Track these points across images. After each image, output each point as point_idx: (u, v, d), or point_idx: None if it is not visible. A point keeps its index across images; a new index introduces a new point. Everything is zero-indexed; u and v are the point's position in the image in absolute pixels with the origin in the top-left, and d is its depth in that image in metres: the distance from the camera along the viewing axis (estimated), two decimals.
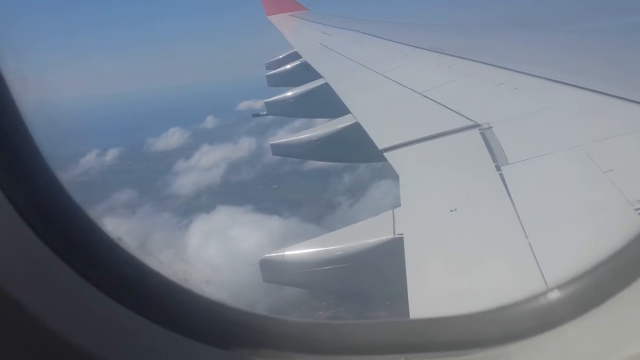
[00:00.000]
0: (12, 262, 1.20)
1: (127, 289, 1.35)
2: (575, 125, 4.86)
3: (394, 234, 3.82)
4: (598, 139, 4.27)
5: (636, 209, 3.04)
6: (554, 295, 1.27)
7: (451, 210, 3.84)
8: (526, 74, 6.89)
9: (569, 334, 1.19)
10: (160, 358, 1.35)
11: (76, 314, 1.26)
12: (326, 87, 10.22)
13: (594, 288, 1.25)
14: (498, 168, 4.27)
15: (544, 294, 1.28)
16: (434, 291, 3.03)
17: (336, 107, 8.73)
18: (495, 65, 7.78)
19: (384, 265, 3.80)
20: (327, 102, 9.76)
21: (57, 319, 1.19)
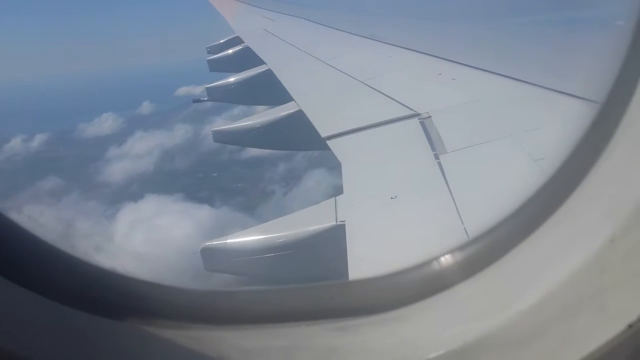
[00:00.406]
0: None
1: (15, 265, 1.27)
2: (509, 116, 5.06)
3: (336, 221, 3.87)
4: (530, 129, 4.47)
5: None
6: (449, 257, 1.31)
7: (392, 198, 3.92)
8: (464, 64, 7.08)
9: (462, 293, 1.23)
10: (37, 327, 1.27)
11: None
12: (269, 73, 10.13)
13: (488, 247, 1.31)
14: (436, 157, 4.39)
15: (438, 257, 1.32)
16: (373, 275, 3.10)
17: (279, 94, 8.69)
18: (435, 56, 7.95)
19: (326, 252, 3.84)
20: (269, 89, 9.69)
21: None
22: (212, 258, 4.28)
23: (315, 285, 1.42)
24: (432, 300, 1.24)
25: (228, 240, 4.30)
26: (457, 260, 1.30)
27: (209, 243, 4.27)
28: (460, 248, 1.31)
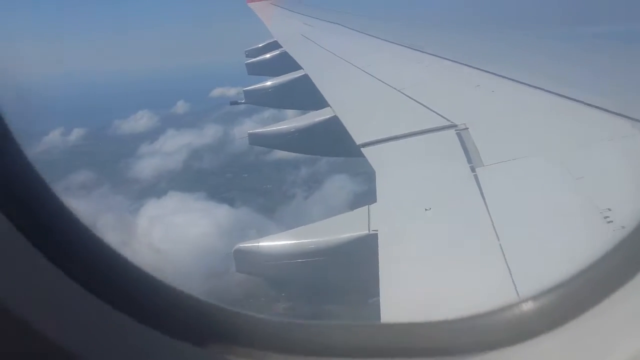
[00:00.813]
0: None
1: (105, 284, 1.33)
2: (550, 131, 4.97)
3: (369, 230, 3.86)
4: (571, 146, 4.38)
5: (605, 217, 3.13)
6: (530, 305, 1.29)
7: (426, 209, 3.89)
8: (503, 77, 6.99)
9: (544, 346, 1.21)
10: (134, 353, 1.33)
11: (60, 313, 1.25)
12: (305, 78, 10.19)
13: (570, 300, 1.28)
14: (473, 169, 4.35)
15: (520, 303, 1.30)
16: (406, 291, 3.08)
17: (315, 100, 8.73)
18: (474, 67, 7.87)
19: (358, 261, 3.84)
20: (305, 94, 9.74)
21: (41, 317, 1.18)
22: (244, 260, 4.32)
23: (392, 324, 1.43)
24: (513, 350, 1.23)
25: (261, 244, 4.34)
26: (539, 310, 1.28)
27: (242, 245, 4.31)
28: (541, 297, 1.29)
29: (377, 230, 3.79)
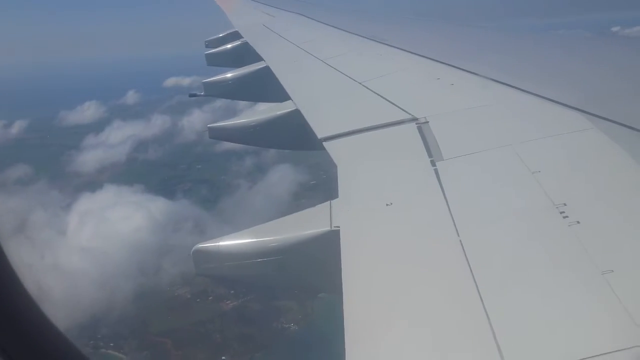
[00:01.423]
0: None
1: None
2: (508, 125, 5.04)
3: (331, 227, 3.83)
4: (529, 140, 4.45)
5: (561, 212, 3.19)
6: None
7: (387, 204, 3.89)
8: (462, 69, 7.06)
9: None
10: None
11: None
12: (267, 70, 10.07)
13: None
14: (433, 163, 4.37)
15: None
16: (368, 287, 3.08)
17: (276, 92, 8.64)
18: (433, 59, 7.92)
19: (320, 258, 3.81)
20: (267, 86, 9.63)
21: None
22: (203, 261, 4.24)
23: None
24: None
25: (220, 243, 4.26)
26: None
27: (201, 245, 4.22)
28: None
29: (339, 227, 3.77)
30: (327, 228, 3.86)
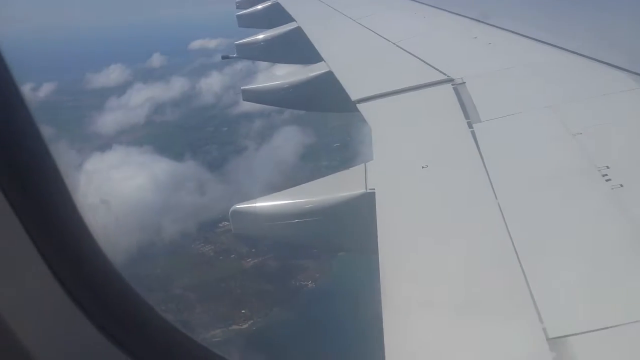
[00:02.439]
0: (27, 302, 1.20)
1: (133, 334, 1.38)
2: (548, 85, 4.89)
3: (366, 189, 3.84)
4: (569, 101, 4.33)
5: (603, 175, 3.12)
6: None
7: (422, 167, 3.87)
8: (500, 28, 6.85)
9: None
10: None
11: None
12: (298, 31, 9.95)
13: None
14: (470, 125, 4.30)
15: None
16: (404, 250, 3.09)
17: (308, 53, 8.54)
18: (470, 17, 7.69)
19: (355, 220, 3.83)
20: (298, 47, 9.53)
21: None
22: (240, 220, 4.31)
23: None
24: None
25: (257, 204, 4.32)
26: None
27: (238, 206, 4.29)
28: None
29: (374, 189, 3.78)
30: (362, 190, 3.86)
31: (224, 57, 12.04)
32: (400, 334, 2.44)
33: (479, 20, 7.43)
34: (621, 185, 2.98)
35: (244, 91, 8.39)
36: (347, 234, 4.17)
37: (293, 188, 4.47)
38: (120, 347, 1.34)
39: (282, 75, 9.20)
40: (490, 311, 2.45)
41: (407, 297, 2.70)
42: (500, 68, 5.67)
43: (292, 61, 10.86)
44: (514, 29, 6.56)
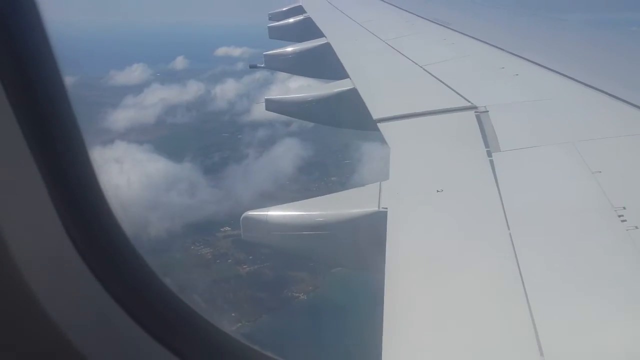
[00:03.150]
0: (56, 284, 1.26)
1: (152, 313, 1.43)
2: (571, 121, 4.86)
3: (379, 208, 3.83)
4: (592, 138, 4.29)
5: (619, 216, 3.07)
6: None
7: (438, 191, 3.85)
8: (529, 60, 6.84)
9: None
10: None
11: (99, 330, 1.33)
12: (327, 47, 10.03)
13: None
14: (489, 154, 4.28)
15: None
16: (411, 270, 3.07)
17: (335, 70, 8.61)
18: (499, 48, 7.70)
19: (365, 238, 3.82)
20: (326, 63, 9.60)
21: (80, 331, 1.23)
22: (250, 227, 4.33)
23: None
24: None
25: (269, 213, 4.34)
26: None
27: (250, 213, 4.31)
28: None
29: (387, 208, 3.77)
30: (375, 208, 3.86)
31: (251, 66, 12.18)
32: (399, 350, 2.42)
33: (508, 51, 7.43)
34: (636, 227, 2.94)
35: (267, 101, 8.47)
36: (356, 251, 4.16)
37: (306, 200, 4.48)
38: (133, 318, 1.38)
39: (307, 88, 9.26)
40: (492, 344, 2.41)
41: (410, 322, 2.67)
42: (525, 100, 5.65)
43: (318, 76, 10.94)
44: (543, 62, 6.55)
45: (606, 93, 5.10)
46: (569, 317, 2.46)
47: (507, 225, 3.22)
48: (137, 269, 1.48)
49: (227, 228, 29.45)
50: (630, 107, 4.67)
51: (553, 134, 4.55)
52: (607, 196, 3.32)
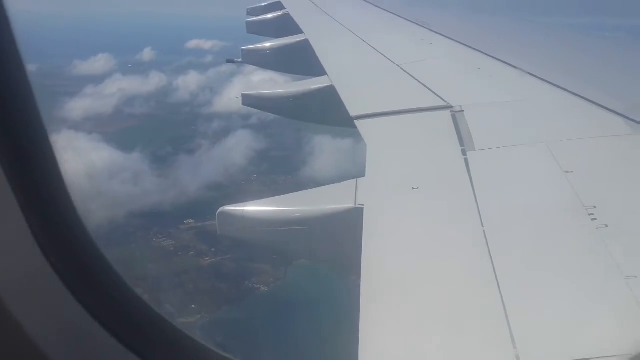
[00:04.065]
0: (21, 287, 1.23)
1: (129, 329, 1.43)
2: (545, 122, 4.95)
3: (355, 204, 3.85)
4: (564, 139, 4.38)
5: (589, 214, 3.15)
6: None
7: (413, 188, 3.89)
8: (504, 62, 6.94)
9: None
10: None
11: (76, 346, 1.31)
12: (305, 44, 10.02)
13: None
14: (464, 153, 4.33)
15: None
16: (386, 265, 3.10)
17: (312, 67, 8.60)
18: (476, 49, 7.79)
19: (341, 234, 3.84)
20: (303, 60, 9.59)
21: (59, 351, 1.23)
22: (227, 223, 4.30)
23: None
24: None
25: (245, 208, 4.32)
26: None
27: (227, 208, 4.29)
28: None
29: (363, 205, 3.79)
30: (352, 205, 3.87)
31: (228, 61, 12.08)
32: (376, 347, 2.44)
33: (484, 53, 7.53)
34: (606, 226, 3.01)
35: (244, 96, 8.42)
36: (332, 246, 4.17)
37: (283, 196, 4.48)
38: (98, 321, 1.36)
39: (284, 84, 9.23)
40: (465, 335, 2.45)
41: (386, 316, 2.70)
42: (500, 101, 5.74)
43: (296, 72, 10.93)
44: (518, 64, 6.65)
45: (579, 96, 5.21)
46: (541, 311, 2.51)
47: (481, 222, 3.27)
48: (103, 272, 1.46)
49: (191, 220, 29.27)
50: (602, 110, 4.78)
51: (527, 134, 4.63)
52: (579, 195, 3.39)
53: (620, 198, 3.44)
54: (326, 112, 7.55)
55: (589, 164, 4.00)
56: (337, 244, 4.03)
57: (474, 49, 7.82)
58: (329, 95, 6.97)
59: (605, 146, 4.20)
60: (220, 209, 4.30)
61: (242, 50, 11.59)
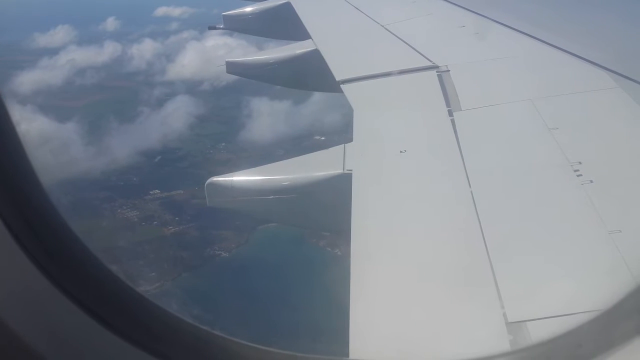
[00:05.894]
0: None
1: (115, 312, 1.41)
2: (530, 79, 4.94)
3: (344, 170, 3.86)
4: (549, 95, 4.38)
5: (575, 170, 3.18)
6: None
7: (401, 151, 3.90)
8: (488, 18, 6.86)
9: None
10: None
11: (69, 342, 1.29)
12: (288, 6, 9.83)
13: None
14: (450, 113, 4.34)
15: None
16: (376, 229, 3.14)
17: (296, 30, 8.46)
18: (459, 6, 7.69)
19: (331, 200, 3.86)
20: (287, 23, 9.43)
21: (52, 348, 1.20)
22: (216, 193, 4.31)
23: None
24: None
25: (234, 178, 4.32)
26: None
27: (215, 178, 4.28)
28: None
29: (351, 170, 3.80)
30: (340, 171, 3.88)
31: (210, 28, 11.85)
32: (366, 312, 2.49)
33: (469, 10, 7.43)
34: (591, 182, 3.06)
35: (228, 63, 8.30)
36: (322, 212, 4.21)
37: (271, 164, 4.48)
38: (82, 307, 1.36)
39: (269, 50, 9.10)
40: (454, 294, 2.51)
41: (375, 277, 2.75)
42: (485, 59, 5.70)
43: (279, 37, 10.76)
44: (502, 20, 6.58)
45: (563, 50, 5.19)
46: (527, 267, 2.57)
47: (469, 182, 3.31)
48: (78, 251, 1.46)
49: (157, 191, 29.27)
50: (586, 64, 4.77)
51: (512, 92, 4.63)
52: (564, 152, 3.43)
53: (606, 153, 3.48)
54: (311, 77, 7.48)
55: (574, 119, 4.03)
56: (327, 209, 4.07)
57: (457, 5, 7.72)
58: (314, 60, 6.88)
59: (590, 101, 4.21)
60: (209, 180, 4.30)
61: (224, 15, 11.35)
